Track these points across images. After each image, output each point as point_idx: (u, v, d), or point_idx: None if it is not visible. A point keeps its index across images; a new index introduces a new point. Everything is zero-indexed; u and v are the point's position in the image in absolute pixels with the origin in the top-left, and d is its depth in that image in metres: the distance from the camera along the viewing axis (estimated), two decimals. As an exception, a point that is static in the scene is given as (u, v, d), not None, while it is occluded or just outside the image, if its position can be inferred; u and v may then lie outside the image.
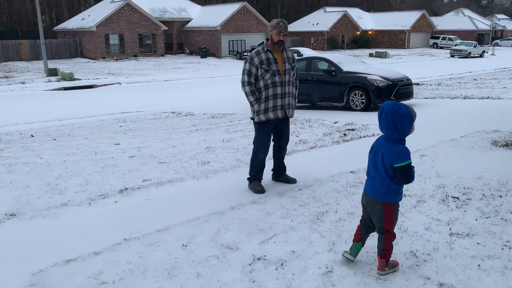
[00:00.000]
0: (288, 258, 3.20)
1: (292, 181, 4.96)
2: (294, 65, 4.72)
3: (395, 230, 2.97)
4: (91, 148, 7.13)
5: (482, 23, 62.04)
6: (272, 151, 4.99)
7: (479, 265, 3.02)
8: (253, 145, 4.84)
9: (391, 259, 2.96)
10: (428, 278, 2.87)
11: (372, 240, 3.42)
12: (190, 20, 44.35)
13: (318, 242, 3.44)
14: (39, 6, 25.76)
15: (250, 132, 7.93)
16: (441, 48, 54.46)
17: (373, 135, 7.29)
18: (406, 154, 2.71)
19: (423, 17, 57.06)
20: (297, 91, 4.84)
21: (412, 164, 2.74)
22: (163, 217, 4.04)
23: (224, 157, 6.19)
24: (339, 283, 2.87)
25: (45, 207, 4.40)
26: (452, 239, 3.40)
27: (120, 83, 22.74)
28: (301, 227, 3.73)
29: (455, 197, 4.28)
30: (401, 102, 2.83)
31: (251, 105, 4.64)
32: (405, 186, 3.27)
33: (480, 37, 57.81)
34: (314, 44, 52.48)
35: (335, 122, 8.88)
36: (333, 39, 52.13)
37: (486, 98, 11.76)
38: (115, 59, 36.95)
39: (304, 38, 53.12)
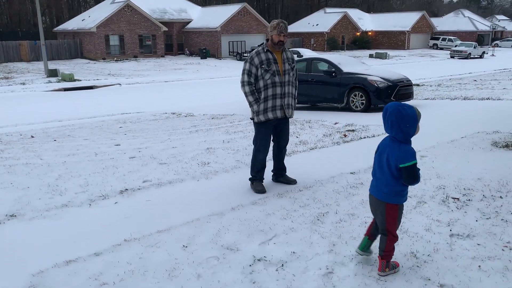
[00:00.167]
0: (288, 259, 3.20)
1: (292, 182, 4.96)
2: (293, 65, 4.73)
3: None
4: (91, 149, 7.13)
5: (482, 24, 62.07)
6: (272, 151, 4.99)
7: (479, 266, 3.02)
8: (253, 146, 4.84)
9: (391, 260, 2.96)
10: (429, 279, 2.87)
11: (373, 241, 3.43)
12: (190, 21, 44.38)
13: (318, 243, 3.44)
14: (39, 7, 25.78)
15: (250, 133, 7.93)
16: (441, 49, 54.48)
17: (373, 136, 7.30)
18: (412, 154, 2.70)
19: (423, 18, 57.10)
20: (296, 91, 4.84)
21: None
22: (163, 218, 4.04)
23: (224, 158, 6.19)
24: (340, 284, 2.87)
25: (45, 208, 4.40)
26: (453, 240, 3.40)
27: (120, 84, 22.75)
28: (301, 228, 3.73)
29: (456, 198, 4.28)
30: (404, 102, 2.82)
31: (250, 105, 4.64)
32: (406, 187, 3.27)
33: (480, 38, 57.84)
34: (314, 45, 52.50)
35: (335, 123, 8.88)
36: (333, 40, 52.16)
37: (486, 99, 11.77)
38: (115, 60, 36.96)
39: (304, 39, 53.14)
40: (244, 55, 38.63)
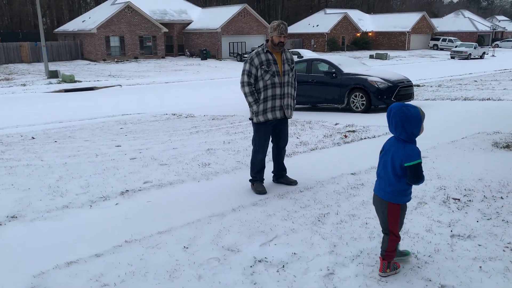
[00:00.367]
0: (289, 260, 3.20)
1: (293, 182, 4.96)
2: (293, 66, 4.74)
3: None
4: (92, 150, 7.13)
5: (482, 25, 62.09)
6: (271, 153, 4.99)
7: (480, 267, 3.01)
8: (252, 146, 4.85)
9: (392, 261, 2.96)
10: (430, 280, 2.87)
11: (373, 242, 3.43)
12: (191, 22, 44.41)
13: (319, 244, 3.44)
14: (39, 8, 25.81)
15: (250, 134, 7.92)
16: (441, 49, 54.48)
17: (374, 137, 7.29)
18: (417, 153, 2.72)
19: (423, 18, 57.10)
20: (295, 92, 4.85)
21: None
22: (164, 219, 4.04)
23: (225, 159, 6.19)
24: (341, 285, 2.87)
25: (46, 209, 4.40)
26: (454, 241, 3.40)
27: (120, 85, 22.77)
28: (302, 229, 3.73)
29: (456, 199, 4.28)
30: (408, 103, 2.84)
31: (250, 105, 4.64)
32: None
33: (480, 39, 57.85)
34: (315, 45, 52.51)
35: (336, 124, 8.88)
36: (333, 41, 52.18)
37: (487, 99, 11.76)
38: (116, 61, 36.99)
39: (305, 40, 53.15)
40: (245, 56, 38.66)
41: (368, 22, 58.68)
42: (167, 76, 27.70)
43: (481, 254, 3.19)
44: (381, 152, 2.93)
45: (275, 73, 4.55)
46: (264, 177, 4.87)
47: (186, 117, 11.35)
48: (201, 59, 39.83)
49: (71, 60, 37.37)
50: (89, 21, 39.38)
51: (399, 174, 2.77)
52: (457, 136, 6.97)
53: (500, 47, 56.53)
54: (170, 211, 4.28)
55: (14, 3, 49.13)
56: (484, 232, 3.53)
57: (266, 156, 4.86)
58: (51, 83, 23.06)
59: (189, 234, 3.68)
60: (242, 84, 4.60)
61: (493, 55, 43.27)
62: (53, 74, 25.41)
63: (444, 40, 55.75)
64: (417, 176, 2.71)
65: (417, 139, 2.80)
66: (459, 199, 4.26)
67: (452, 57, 40.45)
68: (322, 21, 54.48)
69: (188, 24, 44.35)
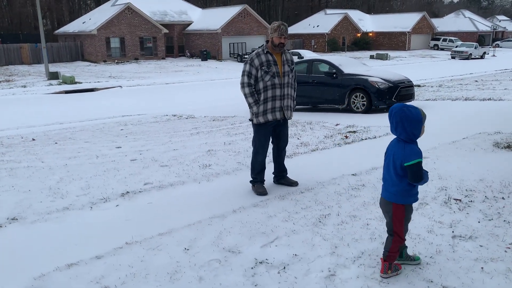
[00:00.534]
0: (290, 262, 3.19)
1: (293, 183, 4.95)
2: (292, 67, 4.74)
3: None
4: (92, 152, 7.13)
5: (483, 25, 62.06)
6: (272, 154, 4.99)
7: (482, 267, 3.00)
8: (252, 148, 4.84)
9: (394, 262, 2.95)
10: (431, 281, 2.86)
11: (374, 243, 3.42)
12: (191, 23, 44.43)
13: (320, 245, 3.43)
14: (40, 10, 25.83)
15: (251, 135, 7.88)
16: (442, 49, 54.45)
17: (375, 137, 7.29)
18: (416, 153, 2.74)
19: (424, 18, 57.09)
20: (295, 93, 4.85)
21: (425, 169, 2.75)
22: (165, 221, 4.03)
23: (226, 160, 6.19)
24: (342, 286, 2.86)
25: (46, 211, 4.39)
26: (455, 242, 3.39)
27: (121, 86, 22.78)
28: (303, 230, 3.72)
29: (458, 199, 4.27)
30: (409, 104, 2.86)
31: (250, 106, 4.64)
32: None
33: (481, 39, 57.81)
34: (315, 46, 52.52)
35: (336, 125, 8.87)
36: (333, 41, 52.17)
37: (488, 99, 11.75)
38: (116, 62, 37.01)
39: (305, 40, 53.16)
40: (245, 56, 38.66)
41: (369, 23, 58.67)
42: (168, 77, 27.71)
43: (482, 255, 3.18)
44: (385, 154, 2.95)
45: (275, 74, 4.55)
46: (264, 178, 4.86)
47: (187, 118, 11.35)
48: (202, 60, 39.84)
49: (71, 61, 37.39)
50: (89, 22, 39.41)
51: (400, 174, 2.78)
52: (458, 137, 6.96)
53: (501, 47, 56.51)
54: (170, 212, 4.28)
55: (14, 4, 49.19)
56: (486, 233, 3.53)
57: (267, 157, 4.85)
58: (52, 85, 23.07)
59: (190, 236, 3.67)
60: (242, 85, 4.59)
61: (493, 55, 43.25)
62: (53, 76, 25.41)
63: (444, 40, 55.72)
64: (417, 175, 2.72)
65: (418, 140, 2.81)
66: (460, 200, 4.25)
67: (453, 57, 40.43)
68: (323, 22, 54.48)
69: (188, 25, 44.37)
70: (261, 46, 4.69)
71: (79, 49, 38.42)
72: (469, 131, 7.33)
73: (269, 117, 4.62)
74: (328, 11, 58.31)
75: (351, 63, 12.13)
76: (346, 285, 2.87)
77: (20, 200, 4.74)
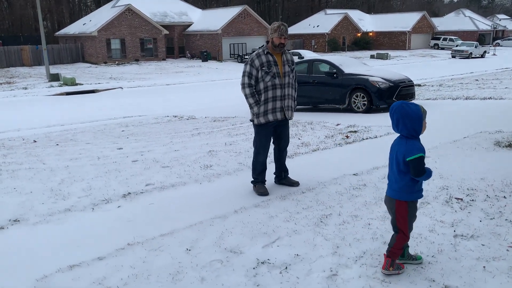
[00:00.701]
0: (292, 262, 3.19)
1: (295, 184, 4.95)
2: (293, 67, 4.74)
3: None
4: (93, 153, 7.14)
5: (483, 24, 62.03)
6: (273, 154, 4.99)
7: (484, 267, 3.00)
8: (253, 148, 4.84)
9: (397, 261, 2.96)
10: (433, 281, 2.86)
11: (376, 242, 3.42)
12: (191, 24, 44.45)
13: (322, 245, 3.43)
14: (40, 11, 25.87)
15: (252, 135, 7.89)
16: (442, 49, 54.43)
17: (376, 137, 7.28)
18: (417, 148, 2.76)
19: (424, 18, 57.06)
20: (296, 93, 4.85)
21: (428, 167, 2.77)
22: (167, 222, 4.03)
23: (227, 161, 6.19)
24: (344, 286, 2.86)
25: (48, 212, 4.40)
26: (457, 241, 3.39)
27: (122, 88, 22.81)
28: (304, 230, 3.72)
29: (459, 199, 4.26)
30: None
31: (251, 107, 4.64)
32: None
33: (481, 38, 57.77)
34: (315, 46, 52.52)
35: (337, 124, 8.87)
36: (334, 41, 52.18)
37: (488, 98, 11.74)
38: (117, 64, 37.04)
39: (305, 40, 53.17)
40: (245, 57, 38.68)
41: (369, 22, 58.66)
42: (168, 78, 27.73)
43: (484, 254, 3.18)
44: (389, 153, 2.97)
45: (275, 74, 4.55)
46: (266, 179, 4.87)
47: (188, 119, 11.35)
48: (202, 61, 39.87)
49: (72, 63, 37.43)
50: (89, 24, 39.46)
51: (403, 170, 2.81)
52: (459, 136, 6.95)
53: (501, 46, 56.45)
54: (172, 213, 4.28)
55: (15, 6, 49.26)
56: (488, 232, 3.52)
57: (268, 158, 4.86)
58: (53, 86, 23.09)
59: (192, 236, 3.68)
60: (243, 86, 4.59)
61: (494, 54, 43.22)
62: (54, 77, 25.44)
63: (445, 39, 55.70)
64: (419, 170, 2.75)
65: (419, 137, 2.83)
66: (461, 199, 4.25)
67: (453, 56, 40.43)
68: (323, 22, 54.49)
69: (189, 26, 44.40)
70: (262, 46, 4.69)
71: (79, 51, 38.46)
72: (470, 130, 7.33)
73: (270, 117, 4.62)
74: (328, 11, 58.32)
75: (352, 63, 12.13)
76: (348, 285, 2.87)
77: (22, 201, 4.75)
